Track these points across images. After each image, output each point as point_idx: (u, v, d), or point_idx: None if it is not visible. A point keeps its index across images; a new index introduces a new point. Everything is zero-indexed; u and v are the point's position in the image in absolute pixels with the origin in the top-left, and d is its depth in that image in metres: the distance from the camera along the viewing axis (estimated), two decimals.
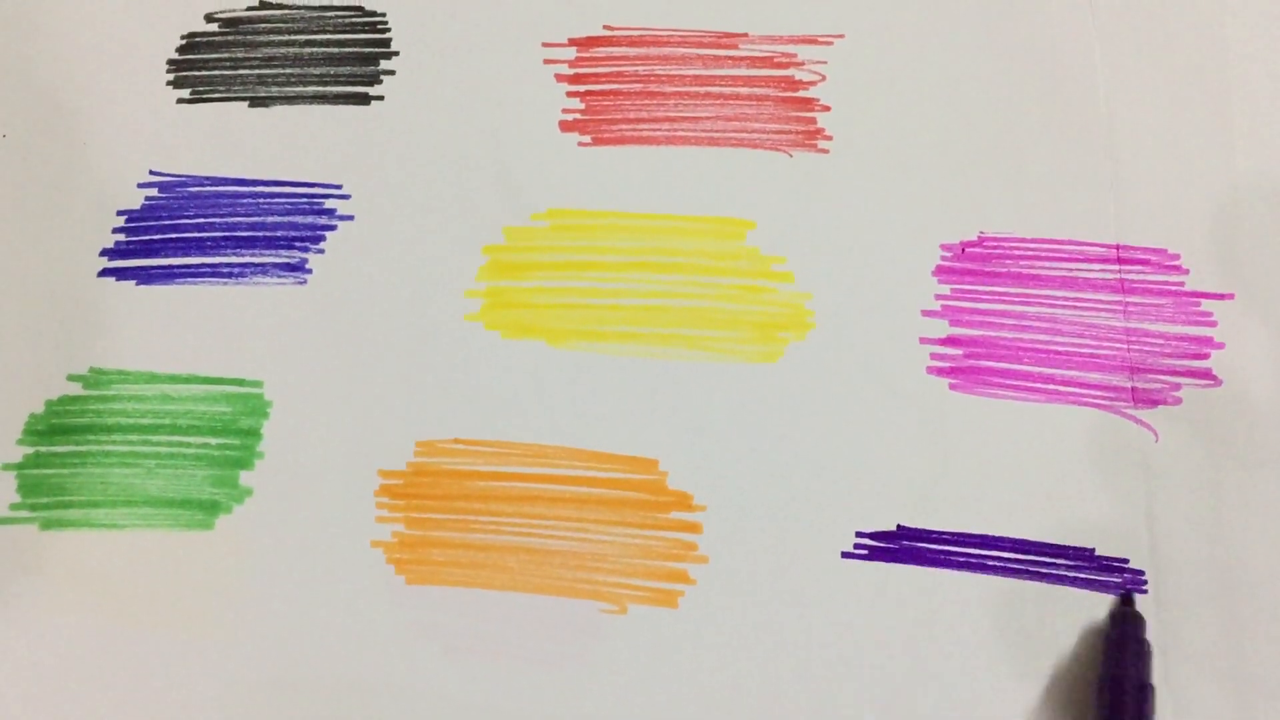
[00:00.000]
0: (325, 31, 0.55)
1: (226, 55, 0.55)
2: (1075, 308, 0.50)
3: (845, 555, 0.48)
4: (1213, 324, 0.49)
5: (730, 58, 0.54)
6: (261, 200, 0.53)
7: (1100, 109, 0.52)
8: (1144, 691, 0.44)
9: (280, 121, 0.54)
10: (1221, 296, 0.49)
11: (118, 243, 0.52)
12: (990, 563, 0.47)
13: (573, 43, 0.54)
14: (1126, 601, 0.46)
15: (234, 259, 0.52)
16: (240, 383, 0.51)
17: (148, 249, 0.52)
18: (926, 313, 0.50)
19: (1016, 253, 0.50)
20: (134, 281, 0.52)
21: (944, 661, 0.47)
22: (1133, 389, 0.49)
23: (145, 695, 0.48)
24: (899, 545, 0.48)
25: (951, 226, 0.51)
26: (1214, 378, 0.48)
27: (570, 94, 0.54)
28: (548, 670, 0.47)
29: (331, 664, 0.47)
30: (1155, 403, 0.48)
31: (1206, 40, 0.52)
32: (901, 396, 0.49)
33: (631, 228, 0.52)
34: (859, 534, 0.48)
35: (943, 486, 0.48)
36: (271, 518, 0.49)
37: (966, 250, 0.51)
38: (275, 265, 0.52)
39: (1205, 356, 0.49)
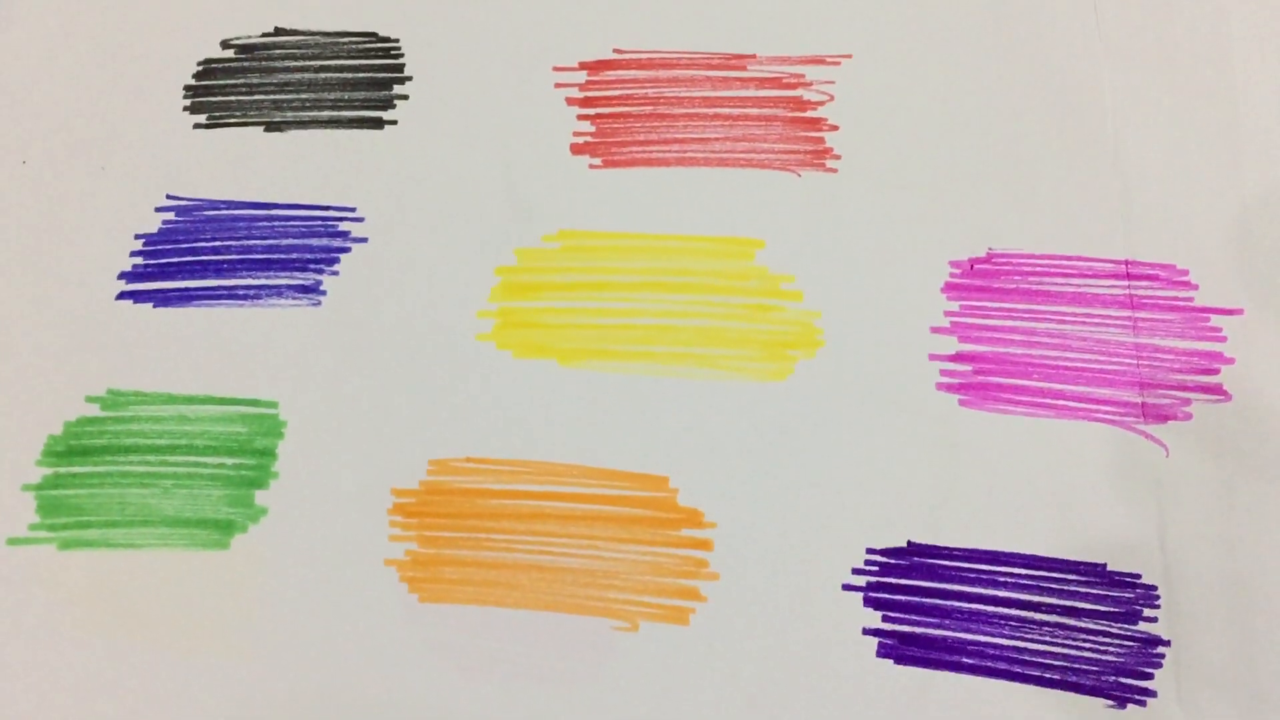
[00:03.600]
0: (340, 57, 0.56)
1: (242, 81, 0.56)
2: (1085, 323, 0.50)
3: (856, 571, 0.48)
4: (1222, 339, 0.49)
5: (739, 79, 0.54)
6: (277, 223, 0.54)
7: (1108, 126, 0.52)
8: None
9: (295, 146, 0.55)
10: (1231, 312, 0.49)
11: (135, 266, 0.53)
12: (1001, 579, 0.47)
13: (583, 66, 0.55)
14: None
15: (249, 281, 0.53)
16: (255, 403, 0.51)
17: (165, 272, 0.53)
18: (936, 329, 0.50)
19: (1025, 269, 0.51)
20: (151, 304, 0.53)
21: None
22: (1143, 404, 0.49)
23: (161, 713, 0.48)
24: (909, 562, 0.48)
25: (960, 243, 0.51)
26: (1224, 393, 0.48)
27: (581, 117, 0.54)
28: (560, 687, 0.47)
29: (346, 682, 0.48)
30: (1165, 418, 0.48)
31: (1213, 58, 0.52)
32: (911, 413, 0.49)
33: (642, 248, 0.52)
34: (869, 550, 0.48)
35: (953, 503, 0.48)
36: (286, 537, 0.49)
37: (975, 267, 0.51)
38: (290, 287, 0.53)
39: (1215, 371, 0.49)
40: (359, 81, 0.55)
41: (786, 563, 0.48)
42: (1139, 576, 0.47)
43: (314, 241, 0.53)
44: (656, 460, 0.49)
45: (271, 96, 0.55)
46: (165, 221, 0.54)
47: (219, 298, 0.53)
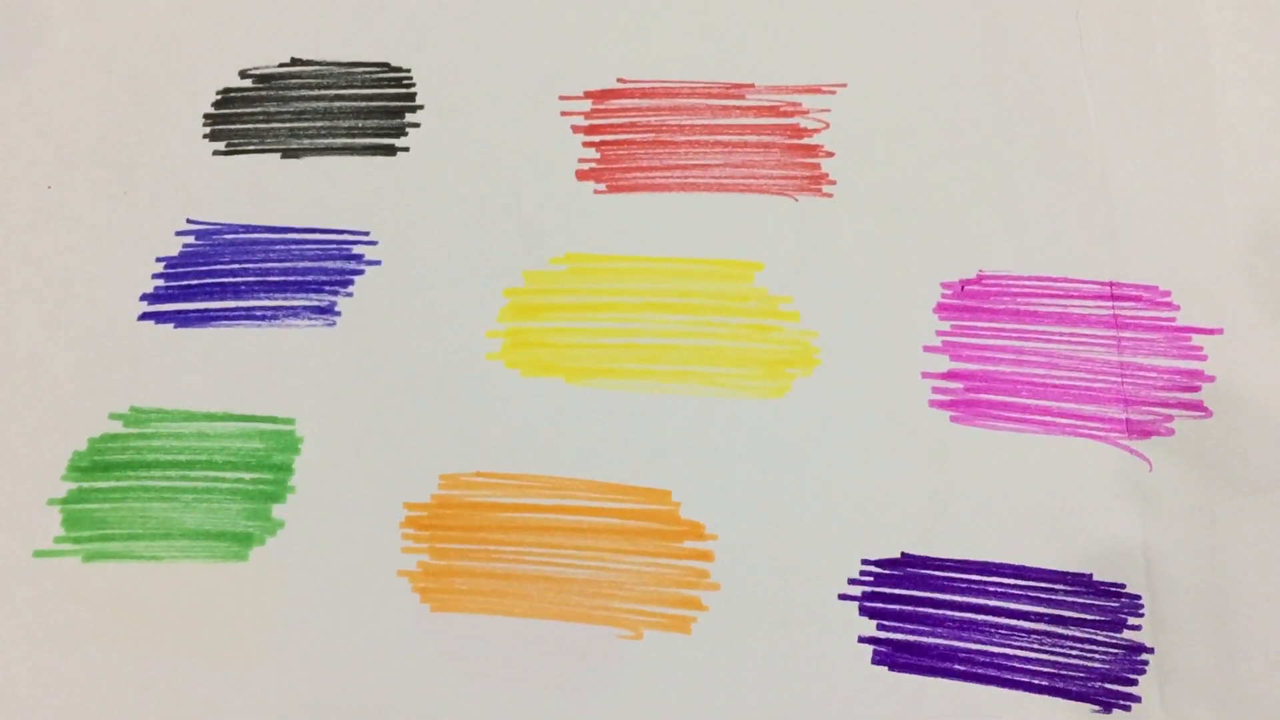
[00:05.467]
0: (354, 87, 0.57)
1: (260, 109, 0.57)
2: (1071, 343, 0.51)
3: (852, 581, 0.49)
4: (1203, 358, 0.51)
5: (738, 107, 0.56)
6: (293, 247, 0.55)
7: (1093, 152, 0.54)
8: None
9: (311, 172, 0.56)
10: (1211, 331, 0.51)
11: (157, 288, 0.55)
12: (991, 588, 0.49)
13: (588, 95, 0.57)
14: None
15: (267, 303, 0.54)
16: (273, 420, 0.53)
17: (185, 293, 0.55)
18: (928, 348, 0.52)
19: (1014, 290, 0.52)
20: (172, 324, 0.54)
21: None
22: (1127, 420, 0.50)
23: None
24: (903, 572, 0.49)
25: (951, 265, 0.53)
26: (1205, 409, 0.50)
27: (586, 144, 0.56)
28: (567, 694, 0.49)
29: (360, 689, 0.49)
30: (1149, 433, 0.50)
31: (1194, 89, 0.54)
32: (905, 429, 0.51)
33: (645, 270, 0.54)
34: (864, 561, 0.49)
35: (945, 515, 0.50)
36: (303, 549, 0.51)
37: (966, 288, 0.53)
38: (306, 308, 0.54)
39: (1196, 389, 0.50)
40: (372, 110, 0.57)
41: (785, 573, 0.49)
42: (1124, 586, 0.48)
43: (329, 264, 0.55)
44: (659, 475, 0.51)
45: (288, 124, 0.57)
46: (186, 245, 0.55)
47: (237, 318, 0.54)
